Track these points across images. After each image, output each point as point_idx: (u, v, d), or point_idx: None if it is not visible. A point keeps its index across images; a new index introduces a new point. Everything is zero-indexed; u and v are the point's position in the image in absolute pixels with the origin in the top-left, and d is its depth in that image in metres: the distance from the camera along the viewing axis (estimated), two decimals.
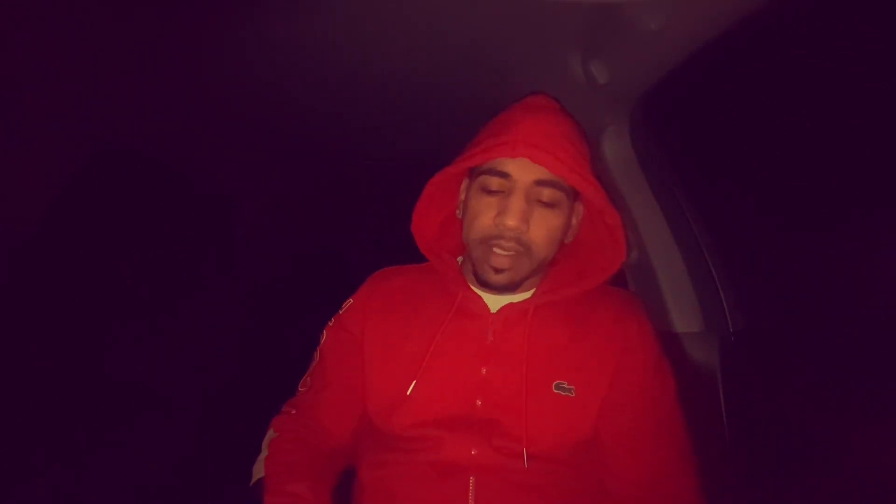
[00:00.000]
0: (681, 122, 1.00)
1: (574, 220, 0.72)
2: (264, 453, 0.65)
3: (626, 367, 0.66)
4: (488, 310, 0.70)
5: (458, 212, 0.77)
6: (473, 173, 0.71)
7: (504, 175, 0.66)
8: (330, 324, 0.78)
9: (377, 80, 0.92)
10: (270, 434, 0.68)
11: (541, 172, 0.65)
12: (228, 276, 1.96)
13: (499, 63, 0.83)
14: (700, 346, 0.82)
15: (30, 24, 0.76)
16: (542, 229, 0.66)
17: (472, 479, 0.61)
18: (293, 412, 0.71)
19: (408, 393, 0.66)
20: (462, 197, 0.75)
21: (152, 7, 0.72)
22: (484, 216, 0.66)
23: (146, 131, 1.22)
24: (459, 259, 0.80)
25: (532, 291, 0.72)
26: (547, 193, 0.66)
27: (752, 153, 0.97)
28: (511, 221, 0.63)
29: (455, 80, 0.90)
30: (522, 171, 0.65)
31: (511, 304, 0.70)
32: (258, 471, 0.63)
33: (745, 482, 0.70)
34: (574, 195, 0.70)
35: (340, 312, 0.78)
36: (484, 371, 0.67)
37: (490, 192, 0.67)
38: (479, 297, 0.71)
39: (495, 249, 0.65)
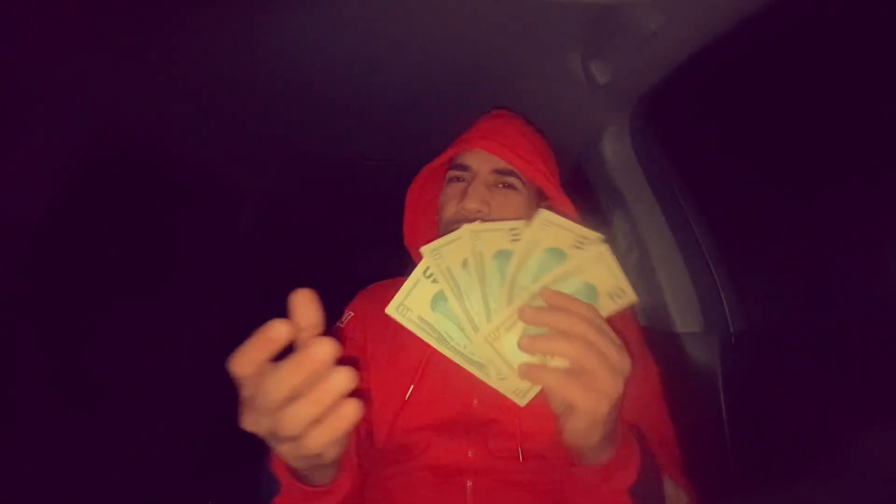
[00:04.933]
0: (681, 123, 1.00)
1: None
2: None
3: None
4: None
5: (437, 218, 0.83)
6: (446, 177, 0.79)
7: (464, 167, 0.74)
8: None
9: (378, 80, 0.92)
10: None
11: (496, 162, 0.73)
12: (229, 275, 1.96)
13: (499, 63, 0.83)
14: (700, 346, 0.82)
15: (31, 22, 0.77)
16: (504, 211, 0.71)
17: (469, 483, 0.61)
18: None
19: (406, 398, 0.67)
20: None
21: (153, 6, 0.72)
22: (450, 204, 0.73)
23: (147, 130, 1.22)
24: None
25: None
26: (504, 180, 0.73)
27: (753, 153, 0.97)
28: (471, 204, 0.69)
29: (456, 80, 0.90)
30: (480, 162, 0.73)
31: None
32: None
33: (745, 482, 0.70)
34: (536, 194, 0.76)
35: (341, 325, 0.79)
36: None
37: (454, 185, 0.75)
38: None
39: None
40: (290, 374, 0.34)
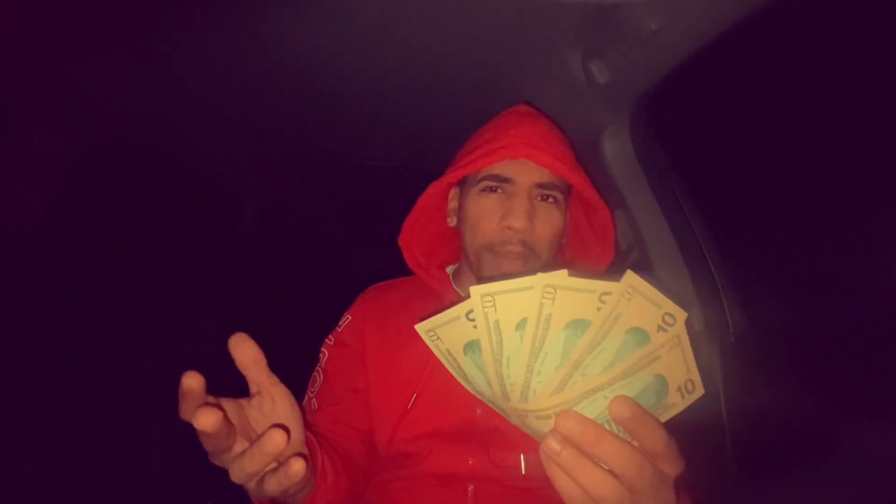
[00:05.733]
0: (681, 122, 1.00)
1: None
2: None
3: None
4: None
5: (449, 220, 0.78)
6: (469, 181, 0.71)
7: (506, 180, 0.66)
8: (329, 342, 0.77)
9: (377, 80, 0.92)
10: None
11: (541, 174, 0.66)
12: (229, 275, 1.96)
13: (499, 63, 0.83)
14: (700, 346, 0.82)
15: (32, 22, 0.77)
16: (547, 227, 0.67)
17: (470, 488, 0.61)
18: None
19: (409, 407, 0.66)
20: (453, 205, 0.77)
21: (154, 7, 0.72)
22: (487, 220, 0.67)
23: (147, 130, 1.22)
24: (450, 269, 0.81)
25: None
26: (547, 193, 0.67)
27: (753, 153, 0.97)
28: (518, 223, 0.63)
29: (456, 80, 0.90)
30: (523, 174, 0.66)
31: None
32: None
33: (745, 482, 0.70)
34: (567, 203, 0.72)
35: (339, 329, 0.77)
36: None
37: (491, 197, 0.67)
38: None
39: (500, 261, 0.65)
40: (210, 438, 0.38)
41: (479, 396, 0.38)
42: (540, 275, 0.32)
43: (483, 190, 0.68)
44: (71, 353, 1.21)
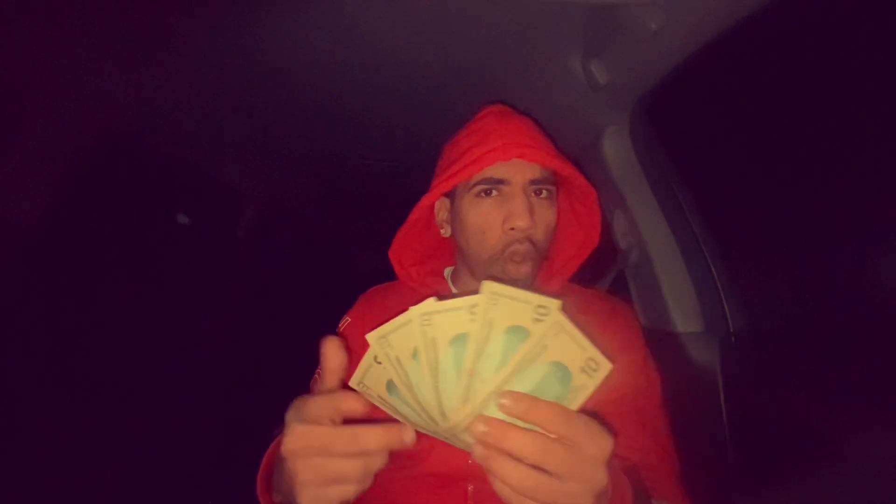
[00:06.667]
0: (681, 122, 1.00)
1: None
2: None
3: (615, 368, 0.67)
4: None
5: (442, 232, 0.77)
6: (459, 189, 0.70)
7: (500, 181, 0.66)
8: None
9: (377, 80, 0.92)
10: None
11: (533, 171, 0.67)
12: (230, 276, 1.96)
13: (499, 63, 0.83)
14: (700, 346, 0.82)
15: (33, 21, 0.77)
16: (544, 223, 0.67)
17: (470, 488, 0.61)
18: None
19: None
20: (443, 216, 0.76)
21: (155, 5, 0.72)
22: (492, 228, 0.66)
23: (148, 130, 1.22)
24: (447, 271, 0.81)
25: None
26: (541, 188, 0.68)
27: (753, 153, 0.97)
28: (522, 222, 0.63)
29: (455, 80, 0.90)
30: (517, 172, 0.66)
31: None
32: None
33: (745, 482, 0.70)
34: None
35: (339, 330, 0.78)
36: None
37: (487, 201, 0.67)
38: None
39: (510, 266, 0.65)
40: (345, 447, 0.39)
41: (422, 431, 0.40)
42: (412, 308, 0.36)
43: (478, 195, 0.67)
44: (70, 353, 1.21)
